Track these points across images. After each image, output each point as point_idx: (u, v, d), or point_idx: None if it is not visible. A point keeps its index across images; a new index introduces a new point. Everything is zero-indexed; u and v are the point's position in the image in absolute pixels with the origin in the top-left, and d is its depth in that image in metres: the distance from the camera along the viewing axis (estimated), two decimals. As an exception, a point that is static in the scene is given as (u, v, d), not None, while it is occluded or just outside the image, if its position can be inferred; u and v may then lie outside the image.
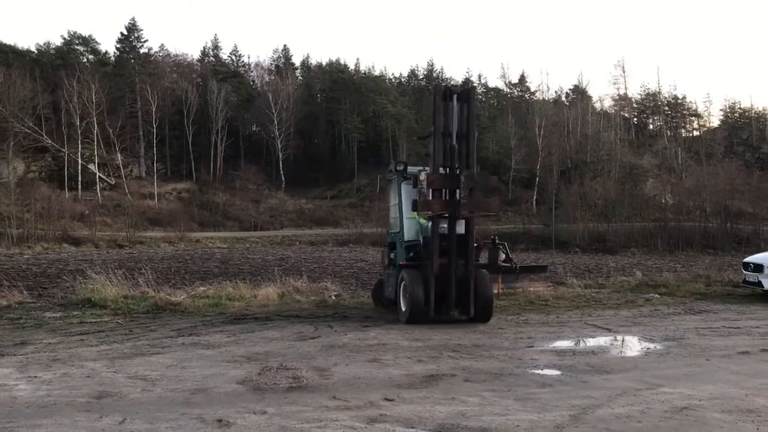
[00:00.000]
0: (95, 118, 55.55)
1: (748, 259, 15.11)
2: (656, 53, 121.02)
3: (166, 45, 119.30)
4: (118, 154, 57.99)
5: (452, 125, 10.21)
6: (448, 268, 9.72)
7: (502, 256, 12.11)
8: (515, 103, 75.08)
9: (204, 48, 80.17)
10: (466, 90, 10.65)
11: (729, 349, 8.21)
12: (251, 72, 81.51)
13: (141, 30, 68.95)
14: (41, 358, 7.27)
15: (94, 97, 54.93)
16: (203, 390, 6.00)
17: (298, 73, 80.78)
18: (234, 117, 66.92)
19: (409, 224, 10.92)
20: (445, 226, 9.92)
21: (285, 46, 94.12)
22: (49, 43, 68.84)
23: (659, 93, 79.54)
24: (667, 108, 79.19)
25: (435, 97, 10.32)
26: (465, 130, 10.23)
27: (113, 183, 57.94)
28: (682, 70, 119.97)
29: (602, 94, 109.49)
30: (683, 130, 78.57)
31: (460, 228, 10.02)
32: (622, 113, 77.75)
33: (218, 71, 72.66)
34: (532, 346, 8.39)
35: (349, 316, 10.89)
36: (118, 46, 69.08)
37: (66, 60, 63.25)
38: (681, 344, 8.57)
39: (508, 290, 13.27)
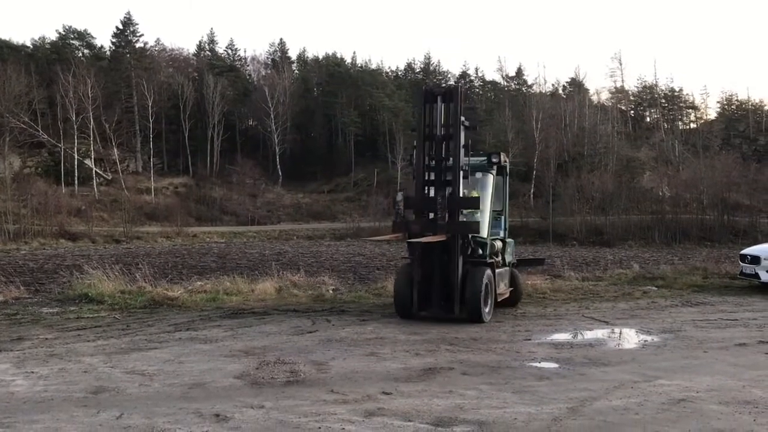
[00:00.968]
0: (91, 113, 55.35)
1: (745, 251, 15.14)
2: (653, 46, 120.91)
3: (162, 39, 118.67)
4: (115, 149, 57.86)
5: (437, 129, 9.71)
6: (431, 266, 9.55)
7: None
8: (512, 96, 74.96)
9: (200, 42, 79.93)
10: (449, 89, 9.92)
11: (726, 341, 8.23)
12: (247, 66, 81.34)
13: (136, 24, 68.73)
14: (38, 354, 7.26)
15: (89, 92, 54.73)
16: (201, 384, 6.00)
17: (294, 67, 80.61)
18: (230, 111, 66.77)
19: None
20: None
21: (281, 39, 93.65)
22: (44, 38, 68.63)
23: (656, 85, 79.63)
24: (664, 100, 79.20)
25: (418, 100, 9.91)
26: (451, 132, 9.62)
27: (110, 178, 57.82)
28: (679, 62, 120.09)
29: (599, 87, 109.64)
30: (680, 123, 78.58)
31: None
32: (619, 106, 77.74)
33: (214, 65, 72.46)
34: (529, 339, 8.40)
35: (346, 311, 10.88)
36: (114, 40, 68.86)
37: (61, 55, 62.98)
38: (678, 336, 8.59)
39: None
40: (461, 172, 9.50)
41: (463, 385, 5.99)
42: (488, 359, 7.16)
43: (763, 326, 9.49)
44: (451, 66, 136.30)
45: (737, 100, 77.79)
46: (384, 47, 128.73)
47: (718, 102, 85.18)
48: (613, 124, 68.77)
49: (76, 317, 9.88)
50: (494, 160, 10.43)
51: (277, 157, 65.70)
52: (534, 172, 59.65)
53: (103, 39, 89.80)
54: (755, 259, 14.24)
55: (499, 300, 10.26)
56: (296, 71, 79.31)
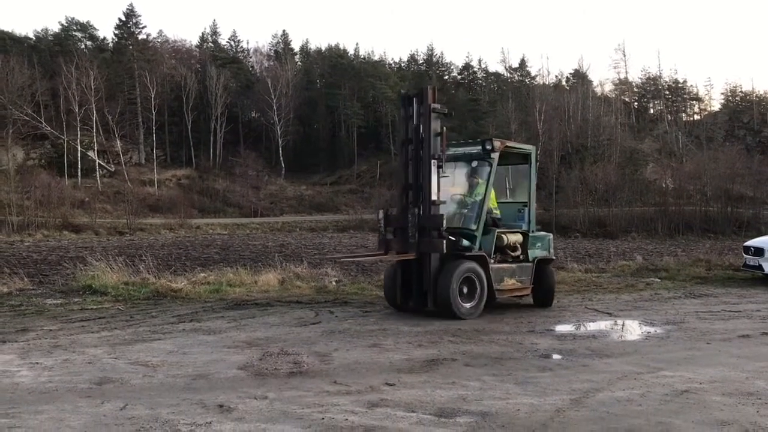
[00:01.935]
0: (94, 105, 55.37)
1: (748, 243, 15.12)
2: (657, 37, 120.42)
3: (165, 31, 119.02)
4: (118, 141, 57.87)
5: (410, 134, 9.40)
6: (410, 261, 9.39)
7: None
8: (515, 87, 74.82)
9: (203, 34, 79.98)
10: (421, 89, 9.42)
11: (729, 333, 8.23)
12: (250, 58, 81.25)
13: (139, 16, 68.77)
14: (42, 345, 7.28)
15: (92, 84, 54.73)
16: (204, 375, 6.02)
17: (297, 58, 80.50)
18: (233, 103, 66.73)
19: None
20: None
21: (284, 31, 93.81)
22: (47, 30, 68.71)
23: (660, 77, 79.34)
24: (667, 92, 78.92)
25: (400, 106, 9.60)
26: (424, 136, 9.18)
27: (113, 170, 57.87)
28: (683, 54, 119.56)
29: (603, 79, 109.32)
30: (684, 115, 78.35)
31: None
32: (622, 98, 77.51)
33: (217, 57, 72.40)
34: (532, 331, 8.40)
35: (349, 302, 10.90)
36: (116, 32, 68.82)
37: (64, 46, 62.98)
38: (681, 328, 8.59)
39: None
40: (434, 163, 9.11)
41: (465, 377, 6.00)
42: (491, 350, 7.17)
43: (767, 318, 9.49)
44: (455, 57, 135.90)
45: (741, 92, 77.53)
46: (387, 39, 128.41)
47: (722, 93, 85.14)
48: (617, 116, 68.59)
49: (80, 309, 9.90)
50: (487, 147, 9.78)
51: (280, 148, 65.68)
52: (537, 164, 59.49)
53: (106, 31, 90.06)
54: (759, 251, 14.23)
55: (509, 296, 10.13)
56: (299, 63, 79.19)
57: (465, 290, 9.18)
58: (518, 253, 10.16)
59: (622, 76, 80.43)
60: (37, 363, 6.44)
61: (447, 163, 10.01)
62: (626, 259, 19.66)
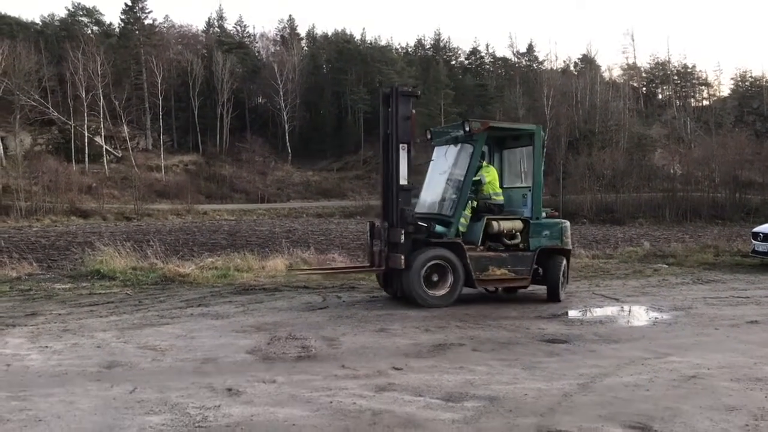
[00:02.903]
0: (101, 90, 55.40)
1: (757, 229, 15.06)
2: (666, 22, 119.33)
3: (171, 16, 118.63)
4: (125, 127, 57.95)
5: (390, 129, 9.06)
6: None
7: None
8: (523, 72, 74.44)
9: (209, 19, 79.90)
10: (394, 89, 9.17)
11: (737, 319, 8.22)
12: (256, 43, 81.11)
13: (145, 1, 68.58)
14: (52, 329, 7.32)
15: (99, 69, 54.74)
16: (213, 360, 6.05)
17: (303, 43, 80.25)
18: (239, 89, 66.61)
19: None
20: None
21: (290, 16, 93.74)
22: (53, 15, 68.74)
23: (669, 62, 78.79)
24: (676, 77, 78.38)
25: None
26: (393, 120, 8.92)
27: (120, 155, 57.97)
28: (692, 38, 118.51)
29: (611, 64, 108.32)
30: (693, 100, 77.87)
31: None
32: (630, 83, 77.04)
33: (223, 42, 72.23)
34: (540, 316, 8.40)
35: (356, 287, 10.92)
36: (123, 17, 68.76)
37: (70, 32, 62.93)
38: (689, 314, 8.57)
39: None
40: (402, 147, 8.90)
41: (473, 361, 6.01)
42: (498, 336, 7.18)
43: (775, 304, 9.46)
44: (462, 42, 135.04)
45: (751, 77, 76.96)
46: (394, 24, 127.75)
47: (731, 79, 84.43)
48: (625, 101, 68.23)
49: (89, 293, 9.95)
50: (466, 128, 9.27)
51: (287, 134, 65.64)
52: (545, 150, 59.33)
53: (112, 16, 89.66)
54: (767, 237, 14.17)
55: (500, 286, 9.89)
56: (305, 48, 78.94)
57: (435, 278, 8.90)
58: (517, 241, 9.49)
59: (630, 61, 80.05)
60: (47, 347, 6.48)
61: (443, 146, 9.89)
62: (634, 245, 19.62)
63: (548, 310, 8.83)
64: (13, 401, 4.76)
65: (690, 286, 11.29)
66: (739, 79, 77.82)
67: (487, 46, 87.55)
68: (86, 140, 54.81)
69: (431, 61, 77.05)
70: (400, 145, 8.95)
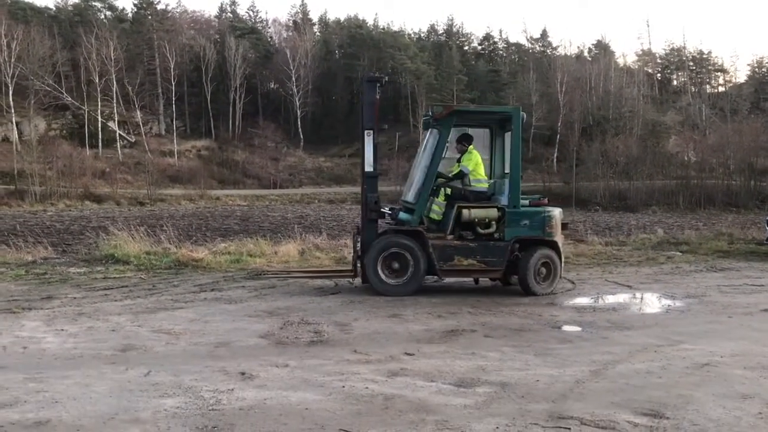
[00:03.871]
0: (114, 76, 55.56)
1: (772, 217, 14.93)
2: (682, 7, 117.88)
3: (183, 1, 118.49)
4: (138, 112, 58.08)
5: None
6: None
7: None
8: (536, 58, 73.84)
9: (221, 4, 79.67)
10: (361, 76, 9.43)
11: (751, 307, 8.17)
12: (269, 28, 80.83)
13: (157, -14, 68.46)
14: (67, 312, 7.40)
15: (112, 55, 54.87)
16: (226, 344, 6.09)
17: (315, 29, 79.93)
18: (252, 74, 66.51)
19: None
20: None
21: (302, 1, 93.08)
22: (67, 0, 68.66)
23: (684, 48, 77.90)
24: (692, 63, 77.47)
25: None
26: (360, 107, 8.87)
27: (133, 140, 58.18)
28: (708, 24, 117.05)
29: (625, 50, 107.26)
30: (708, 86, 76.95)
31: None
32: (645, 69, 76.29)
33: (236, 27, 72.08)
34: (552, 303, 8.40)
35: (368, 273, 10.91)
36: (136, 2, 68.69)
37: (84, 17, 63.06)
38: (702, 301, 8.53)
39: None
40: (367, 134, 9.01)
41: (485, 347, 6.02)
42: (510, 322, 7.18)
43: (790, 292, 9.39)
44: (475, 28, 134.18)
45: (768, 63, 75.92)
46: (406, 9, 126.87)
47: (748, 65, 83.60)
48: (639, 88, 67.57)
49: (103, 277, 10.03)
50: (428, 113, 9.16)
51: (299, 120, 65.56)
52: (558, 136, 59.03)
53: (125, 1, 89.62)
54: (782, 225, 14.05)
55: (470, 276, 9.60)
56: (318, 33, 78.61)
57: (396, 266, 8.77)
58: (491, 230, 8.97)
59: (645, 47, 79.25)
60: (63, 330, 6.56)
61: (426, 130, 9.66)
62: (647, 232, 19.49)
63: (561, 298, 8.81)
64: (31, 383, 4.83)
65: (703, 274, 11.22)
66: (755, 65, 76.90)
67: (501, 31, 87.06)
68: (100, 125, 55.01)
69: (444, 46, 76.55)
70: (365, 132, 9.02)
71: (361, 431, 4.00)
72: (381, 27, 78.55)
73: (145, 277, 10.13)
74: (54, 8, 67.61)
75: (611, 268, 11.92)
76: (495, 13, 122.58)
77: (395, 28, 79.87)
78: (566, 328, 6.96)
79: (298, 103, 65.22)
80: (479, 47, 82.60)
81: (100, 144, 54.67)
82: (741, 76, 78.32)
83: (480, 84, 70.45)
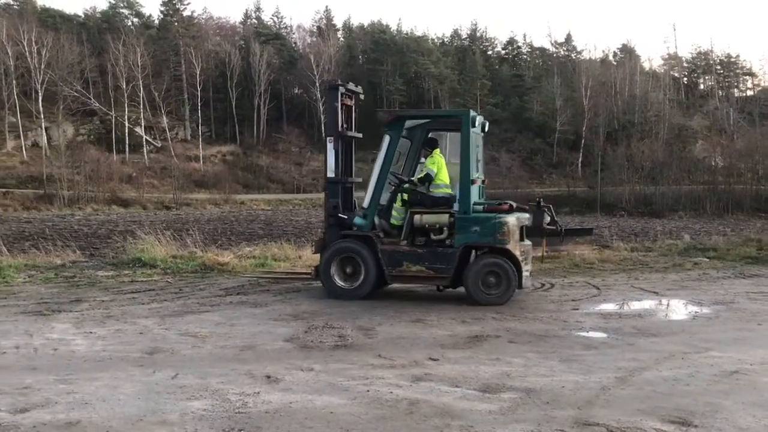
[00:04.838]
0: (141, 82, 56.30)
1: (802, 223, 14.68)
2: (709, 10, 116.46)
3: (209, 8, 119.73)
4: (164, 117, 58.80)
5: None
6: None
7: (547, 219, 11.68)
8: (561, 62, 73.41)
9: (246, 10, 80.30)
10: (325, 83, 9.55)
11: (781, 314, 8.04)
12: (293, 34, 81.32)
13: (184, -7, 69.23)
14: (96, 315, 7.51)
15: (139, 61, 55.64)
16: (252, 347, 6.14)
17: (339, 34, 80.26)
18: (276, 80, 66.95)
19: None
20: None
21: (326, 7, 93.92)
22: (95, 8, 69.86)
23: (711, 51, 76.89)
24: (719, 67, 76.43)
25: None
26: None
27: (159, 146, 58.85)
28: (736, 27, 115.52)
29: (651, 54, 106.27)
30: (736, 90, 75.85)
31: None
32: (671, 73, 75.43)
33: (261, 33, 72.60)
34: (577, 309, 8.33)
35: (392, 278, 10.92)
36: (162, 9, 69.57)
37: (111, 24, 64.03)
38: (731, 308, 8.41)
39: (552, 253, 13.11)
40: (329, 140, 9.26)
41: (510, 353, 6.00)
42: (535, 328, 7.15)
43: (821, 299, 9.22)
44: (499, 32, 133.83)
45: (798, 66, 74.71)
46: (430, 14, 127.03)
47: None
48: (665, 92, 66.88)
49: (131, 281, 10.16)
50: (381, 116, 9.46)
51: (323, 125, 65.76)
52: (582, 141, 58.63)
53: (152, 8, 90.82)
54: (813, 231, 13.81)
55: (419, 283, 9.39)
56: (341, 39, 78.90)
57: (349, 270, 8.84)
58: (443, 236, 8.73)
59: (671, 51, 78.42)
60: (91, 332, 6.66)
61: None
62: (673, 238, 19.26)
63: (586, 303, 8.74)
64: (61, 384, 4.91)
65: (731, 281, 11.05)
66: (785, 68, 75.67)
67: (525, 36, 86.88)
68: (126, 130, 55.75)
69: (467, 51, 76.43)
70: (327, 138, 9.18)
71: (386, 435, 4.01)
72: (404, 32, 78.62)
73: (172, 280, 10.24)
74: (83, 16, 68.78)
75: (637, 274, 11.79)
76: (519, 17, 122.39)
77: (419, 33, 79.89)
78: (591, 334, 6.91)
79: (321, 108, 65.44)
80: (503, 52, 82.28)
81: (126, 149, 55.41)
82: (770, 79, 76.98)
83: (504, 88, 70.24)
